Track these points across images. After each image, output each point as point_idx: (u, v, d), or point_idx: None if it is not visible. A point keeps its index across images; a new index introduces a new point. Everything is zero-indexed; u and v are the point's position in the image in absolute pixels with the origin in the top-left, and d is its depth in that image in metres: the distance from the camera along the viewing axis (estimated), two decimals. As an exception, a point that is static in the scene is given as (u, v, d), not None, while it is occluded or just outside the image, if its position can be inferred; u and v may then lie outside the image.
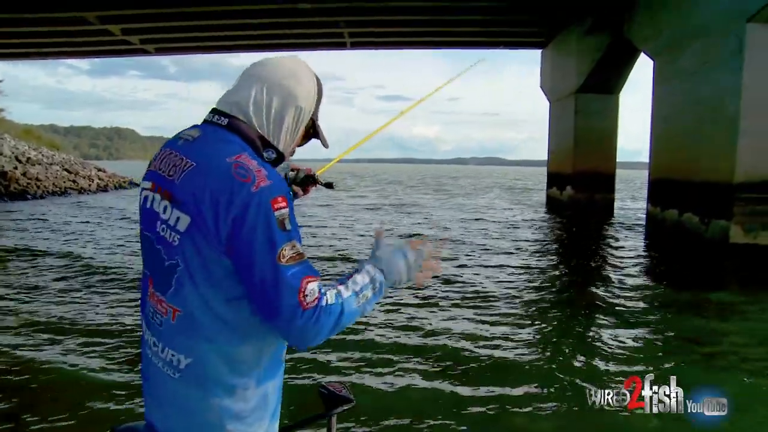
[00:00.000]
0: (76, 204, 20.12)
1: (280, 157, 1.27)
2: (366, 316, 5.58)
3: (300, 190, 1.70)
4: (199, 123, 1.27)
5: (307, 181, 1.70)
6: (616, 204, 19.23)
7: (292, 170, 1.69)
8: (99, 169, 32.11)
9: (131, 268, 8.30)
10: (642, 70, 18.30)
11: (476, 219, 17.37)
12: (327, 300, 1.12)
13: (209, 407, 1.16)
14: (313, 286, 1.11)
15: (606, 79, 17.19)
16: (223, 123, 1.21)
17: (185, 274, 1.13)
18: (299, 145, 1.35)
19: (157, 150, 1.28)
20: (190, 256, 1.12)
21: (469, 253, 10.34)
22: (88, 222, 14.51)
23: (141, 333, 1.29)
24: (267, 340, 1.19)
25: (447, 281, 7.76)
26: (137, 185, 36.85)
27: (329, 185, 1.73)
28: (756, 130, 8.84)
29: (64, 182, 25.55)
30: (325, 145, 1.41)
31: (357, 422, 3.41)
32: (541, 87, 22.11)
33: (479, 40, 22.39)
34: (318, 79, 1.32)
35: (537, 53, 22.64)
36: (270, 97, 1.22)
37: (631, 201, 26.39)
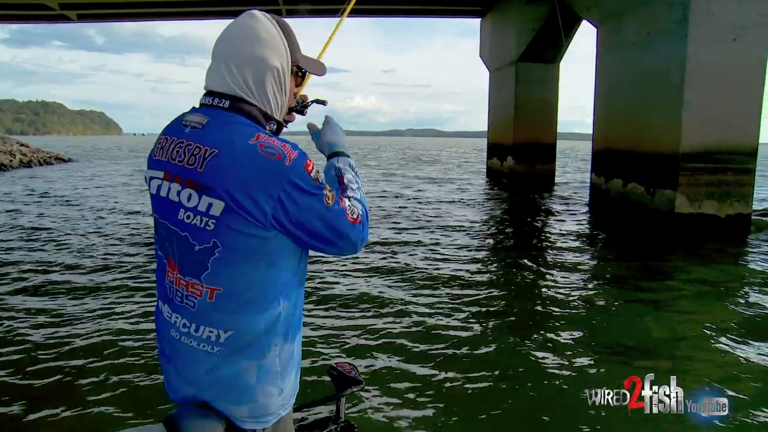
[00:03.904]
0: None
1: (280, 126, 1.30)
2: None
3: None
4: (197, 107, 1.28)
5: None
6: (556, 175, 19.46)
7: None
8: (22, 144, 29.99)
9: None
10: (576, 41, 18.39)
11: (413, 192, 16.94)
12: (357, 210, 1.28)
13: (247, 370, 1.23)
14: (347, 204, 1.26)
15: (547, 48, 17.13)
16: (224, 105, 1.23)
17: (224, 254, 1.18)
18: (298, 86, 1.37)
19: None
20: (229, 237, 1.17)
21: (405, 232, 9.85)
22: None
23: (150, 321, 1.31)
24: (291, 300, 1.28)
25: (380, 267, 7.35)
26: (65, 161, 33.49)
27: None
28: (701, 99, 8.86)
29: (-20, 158, 23.32)
30: (319, 72, 1.39)
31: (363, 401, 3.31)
32: (480, 56, 21.89)
33: (416, 8, 21.81)
34: (281, 24, 1.28)
35: (465, 23, 22.38)
36: (244, 73, 1.22)
37: (570, 172, 26.93)
